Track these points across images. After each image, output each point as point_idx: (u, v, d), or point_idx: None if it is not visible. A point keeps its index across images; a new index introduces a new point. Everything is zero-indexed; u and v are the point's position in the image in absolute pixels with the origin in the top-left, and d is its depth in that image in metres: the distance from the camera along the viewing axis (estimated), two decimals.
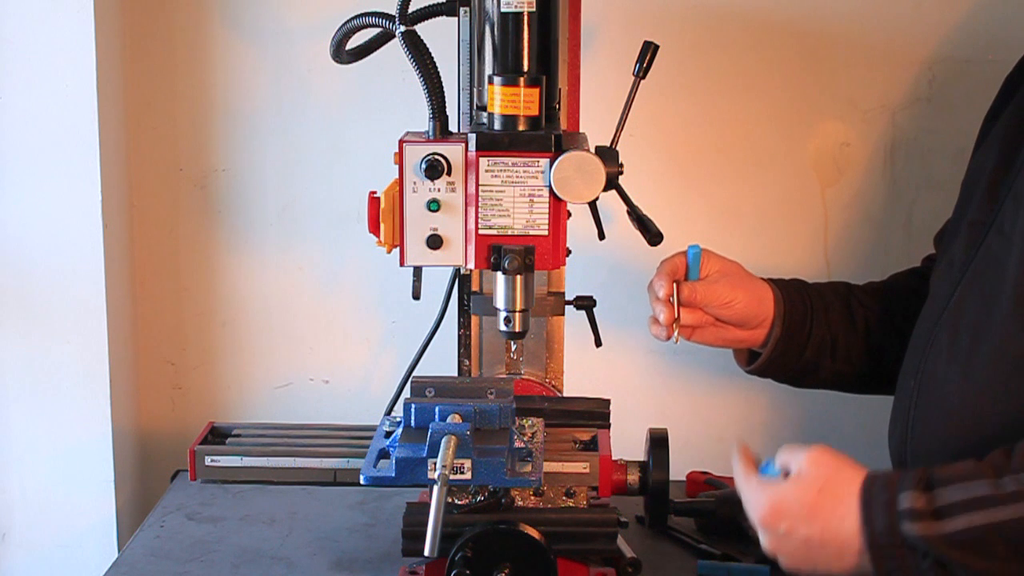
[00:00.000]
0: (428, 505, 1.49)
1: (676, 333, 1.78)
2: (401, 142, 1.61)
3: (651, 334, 1.81)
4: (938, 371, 1.65)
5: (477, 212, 1.60)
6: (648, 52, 1.73)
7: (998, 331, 1.58)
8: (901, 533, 1.40)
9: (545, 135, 1.59)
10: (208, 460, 2.09)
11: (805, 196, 2.32)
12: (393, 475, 1.56)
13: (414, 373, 2.00)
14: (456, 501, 1.66)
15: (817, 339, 1.85)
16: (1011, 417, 1.57)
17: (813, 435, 2.37)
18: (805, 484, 1.47)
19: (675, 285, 1.78)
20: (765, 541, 1.49)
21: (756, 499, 1.50)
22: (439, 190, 1.61)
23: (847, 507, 1.44)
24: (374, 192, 1.64)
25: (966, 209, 1.72)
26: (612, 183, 1.67)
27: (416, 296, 1.69)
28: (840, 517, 1.44)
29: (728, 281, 1.81)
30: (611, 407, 1.80)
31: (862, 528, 1.42)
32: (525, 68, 1.61)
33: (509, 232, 1.61)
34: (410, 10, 1.63)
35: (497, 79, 1.60)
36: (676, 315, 1.77)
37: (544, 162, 1.59)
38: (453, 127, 1.69)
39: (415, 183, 1.61)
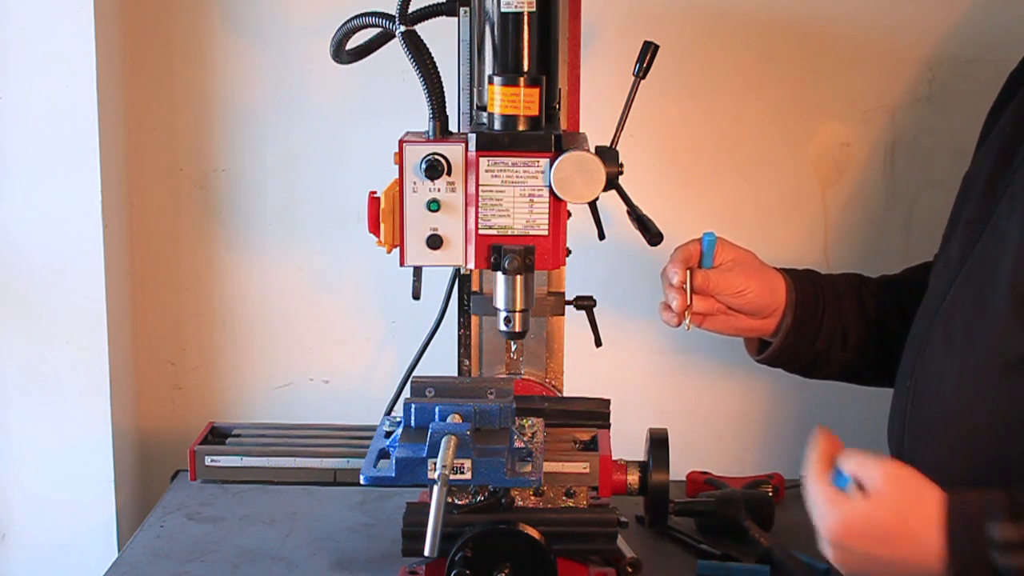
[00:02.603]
0: (428, 505, 1.49)
1: (687, 320, 1.78)
2: (401, 142, 1.61)
3: (662, 320, 1.81)
4: (934, 368, 1.65)
5: (477, 212, 1.60)
6: (648, 52, 1.73)
7: (992, 329, 1.58)
8: (991, 564, 1.36)
9: (545, 135, 1.59)
10: (208, 460, 2.09)
11: (805, 196, 2.32)
12: (393, 475, 1.56)
13: (414, 373, 2.00)
14: (456, 501, 1.66)
15: (828, 329, 1.85)
16: (1006, 415, 1.58)
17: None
18: (884, 505, 1.41)
19: (688, 272, 1.78)
20: (834, 556, 1.44)
21: (829, 513, 1.44)
22: (439, 190, 1.61)
23: (929, 533, 1.39)
24: (374, 192, 1.64)
25: (963, 207, 1.73)
26: (612, 183, 1.67)
27: (416, 296, 1.69)
28: (922, 544, 1.40)
29: (742, 270, 1.81)
30: (611, 407, 1.80)
31: (948, 558, 1.38)
32: (525, 68, 1.61)
33: (509, 232, 1.61)
34: (410, 10, 1.63)
35: (497, 79, 1.60)
36: (688, 302, 1.77)
37: (544, 162, 1.59)
38: (453, 127, 1.69)
39: (415, 183, 1.61)
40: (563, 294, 1.91)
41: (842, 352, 1.88)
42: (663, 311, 1.81)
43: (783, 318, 1.84)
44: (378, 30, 1.80)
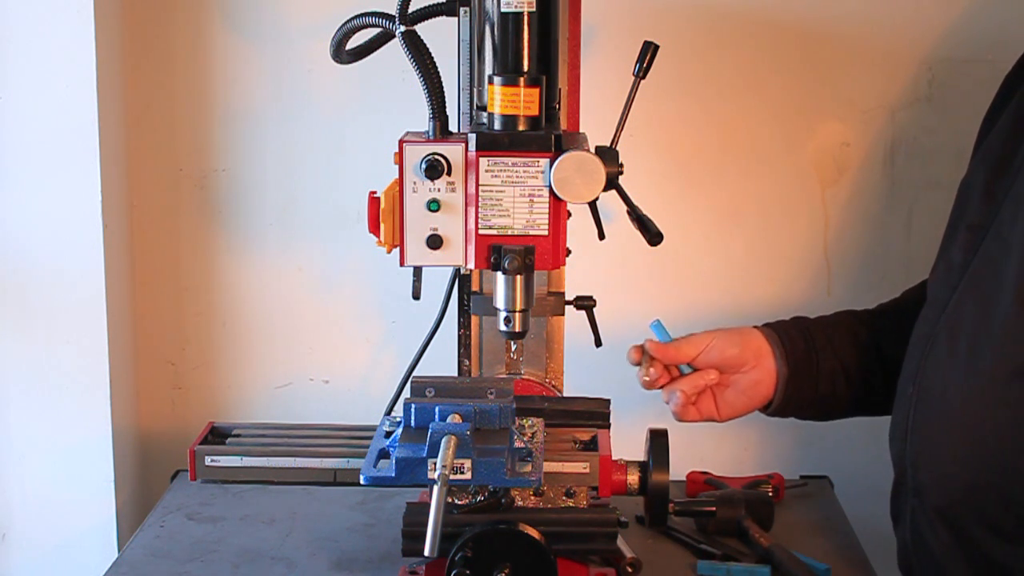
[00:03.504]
0: (428, 505, 1.48)
1: (649, 371, 1.82)
2: (401, 142, 1.61)
3: (668, 406, 1.84)
4: (937, 376, 1.64)
5: (477, 212, 1.60)
6: (648, 52, 1.73)
7: (997, 336, 1.58)
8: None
9: (545, 135, 1.59)
10: (208, 460, 2.09)
11: (805, 196, 2.32)
12: (393, 475, 1.56)
13: (414, 373, 2.00)
14: (456, 501, 1.66)
15: (827, 371, 1.85)
16: (1012, 421, 1.57)
17: (813, 436, 2.37)
18: None
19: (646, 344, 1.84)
20: None
21: None
22: (439, 190, 1.61)
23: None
24: (374, 192, 1.64)
25: (963, 212, 1.72)
26: (612, 183, 1.67)
27: (416, 296, 1.69)
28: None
29: (701, 333, 1.84)
30: (611, 407, 1.80)
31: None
32: (525, 68, 1.61)
33: (509, 232, 1.61)
34: (410, 10, 1.63)
35: (497, 79, 1.60)
36: (644, 356, 1.83)
37: (544, 162, 1.59)
38: (453, 127, 1.69)
39: (415, 183, 1.61)
40: (563, 294, 1.91)
41: (848, 389, 1.86)
42: (673, 409, 1.84)
43: (778, 370, 1.83)
44: (378, 30, 1.80)
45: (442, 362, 1.98)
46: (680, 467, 1.88)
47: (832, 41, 2.26)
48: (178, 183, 2.32)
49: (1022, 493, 1.58)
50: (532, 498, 1.69)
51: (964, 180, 1.78)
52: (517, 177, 1.59)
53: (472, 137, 1.59)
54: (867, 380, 1.87)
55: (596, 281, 2.01)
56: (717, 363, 1.82)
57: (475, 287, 1.91)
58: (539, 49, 1.61)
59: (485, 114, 1.63)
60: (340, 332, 2.38)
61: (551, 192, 1.59)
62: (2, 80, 2.09)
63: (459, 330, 1.93)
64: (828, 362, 1.85)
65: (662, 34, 1.81)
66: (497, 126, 1.60)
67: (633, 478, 1.71)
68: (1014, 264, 1.57)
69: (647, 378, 1.83)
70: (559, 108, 1.71)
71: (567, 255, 1.69)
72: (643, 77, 1.74)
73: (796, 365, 1.84)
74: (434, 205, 1.61)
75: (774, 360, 1.84)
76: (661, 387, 1.84)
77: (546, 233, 1.61)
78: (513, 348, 1.90)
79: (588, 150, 1.60)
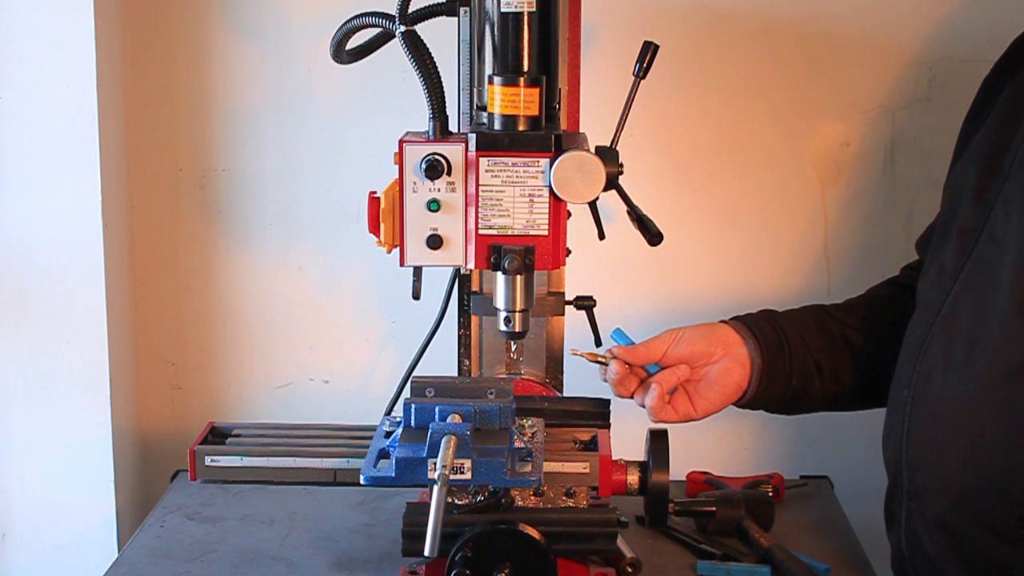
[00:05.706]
0: (428, 505, 1.49)
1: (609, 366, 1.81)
2: (401, 142, 1.61)
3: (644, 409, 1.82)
4: (934, 378, 1.64)
5: (477, 212, 1.60)
6: (648, 52, 1.73)
7: (995, 337, 1.58)
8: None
9: (545, 135, 1.59)
10: (208, 460, 2.09)
11: (805, 196, 2.32)
12: (393, 475, 1.56)
13: (414, 373, 2.00)
14: (456, 501, 1.66)
15: (800, 365, 1.84)
16: (1010, 422, 1.57)
17: (813, 436, 2.38)
18: None
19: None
20: None
21: None
22: (439, 190, 1.61)
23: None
24: (374, 192, 1.64)
25: (954, 215, 1.72)
26: (612, 183, 1.67)
27: (416, 296, 1.69)
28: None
29: (663, 332, 1.83)
30: (611, 407, 1.80)
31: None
32: (525, 68, 1.61)
33: (509, 232, 1.61)
34: (410, 10, 1.63)
35: (497, 79, 1.60)
36: (599, 355, 1.82)
37: (544, 162, 1.59)
38: (453, 127, 1.69)
39: (415, 183, 1.61)
40: (563, 294, 1.91)
41: (821, 384, 1.86)
42: (652, 408, 1.82)
43: (751, 358, 1.83)
44: (378, 30, 1.80)
45: (442, 362, 1.98)
46: (680, 467, 1.88)
47: (832, 41, 2.26)
48: (178, 183, 2.32)
49: (1021, 493, 1.58)
50: (532, 498, 1.69)
51: (950, 183, 1.78)
52: (517, 177, 1.59)
53: (472, 137, 1.59)
54: (838, 377, 1.86)
55: (596, 281, 2.01)
56: (686, 357, 1.81)
57: (475, 287, 1.91)
58: (539, 49, 1.61)
59: (485, 114, 1.63)
60: (340, 332, 2.38)
61: (551, 192, 1.59)
62: (2, 80, 2.09)
63: (459, 330, 1.93)
64: (801, 358, 1.84)
65: (662, 34, 1.81)
66: (497, 126, 1.60)
67: (633, 478, 1.71)
68: (1009, 265, 1.57)
69: (613, 376, 1.81)
70: (559, 108, 1.71)
71: (567, 255, 1.69)
72: (643, 77, 1.74)
73: (770, 358, 1.83)
74: (434, 205, 1.61)
75: (746, 348, 1.83)
76: (632, 395, 1.83)
77: (546, 233, 1.61)
78: (513, 348, 1.90)
79: (588, 150, 1.60)
